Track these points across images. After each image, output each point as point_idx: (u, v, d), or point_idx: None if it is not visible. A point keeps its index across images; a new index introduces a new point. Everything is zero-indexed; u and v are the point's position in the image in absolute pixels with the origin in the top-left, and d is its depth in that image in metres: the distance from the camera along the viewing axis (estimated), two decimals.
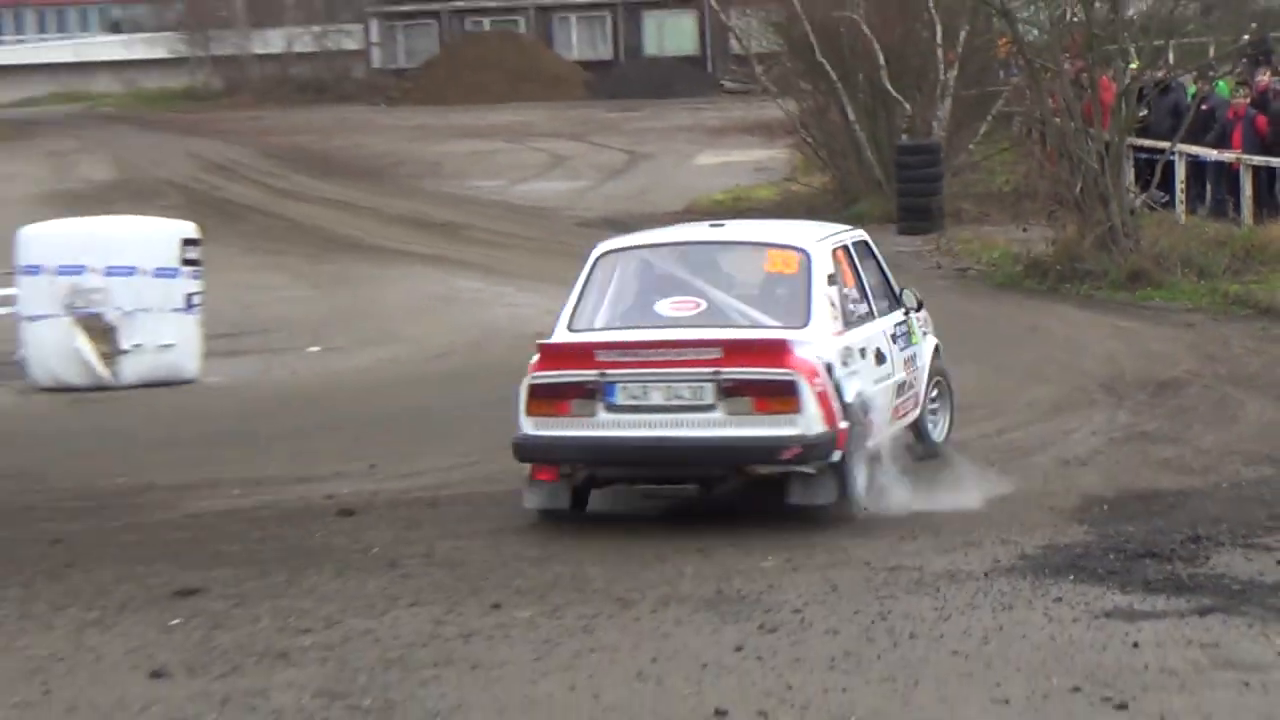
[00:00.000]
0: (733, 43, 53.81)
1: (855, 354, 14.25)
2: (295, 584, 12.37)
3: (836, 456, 13.50)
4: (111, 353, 20.75)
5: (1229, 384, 18.20)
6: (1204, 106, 31.02)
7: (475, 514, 14.34)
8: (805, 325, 13.88)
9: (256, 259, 31.66)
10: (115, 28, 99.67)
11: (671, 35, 79.10)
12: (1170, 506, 13.71)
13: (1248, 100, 30.51)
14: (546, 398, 13.71)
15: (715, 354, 13.30)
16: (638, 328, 14.16)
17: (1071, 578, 11.96)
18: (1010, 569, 12.21)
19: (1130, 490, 14.31)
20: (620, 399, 13.54)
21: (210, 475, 16.18)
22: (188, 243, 21.16)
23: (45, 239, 21.37)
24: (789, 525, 13.50)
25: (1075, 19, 28.06)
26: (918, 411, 15.89)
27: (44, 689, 10.34)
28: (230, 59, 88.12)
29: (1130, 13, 29.09)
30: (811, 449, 13.30)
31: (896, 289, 15.94)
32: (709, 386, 13.34)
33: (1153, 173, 29.65)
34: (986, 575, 12.07)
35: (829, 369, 13.55)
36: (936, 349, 16.47)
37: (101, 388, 20.56)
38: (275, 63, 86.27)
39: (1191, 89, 32.25)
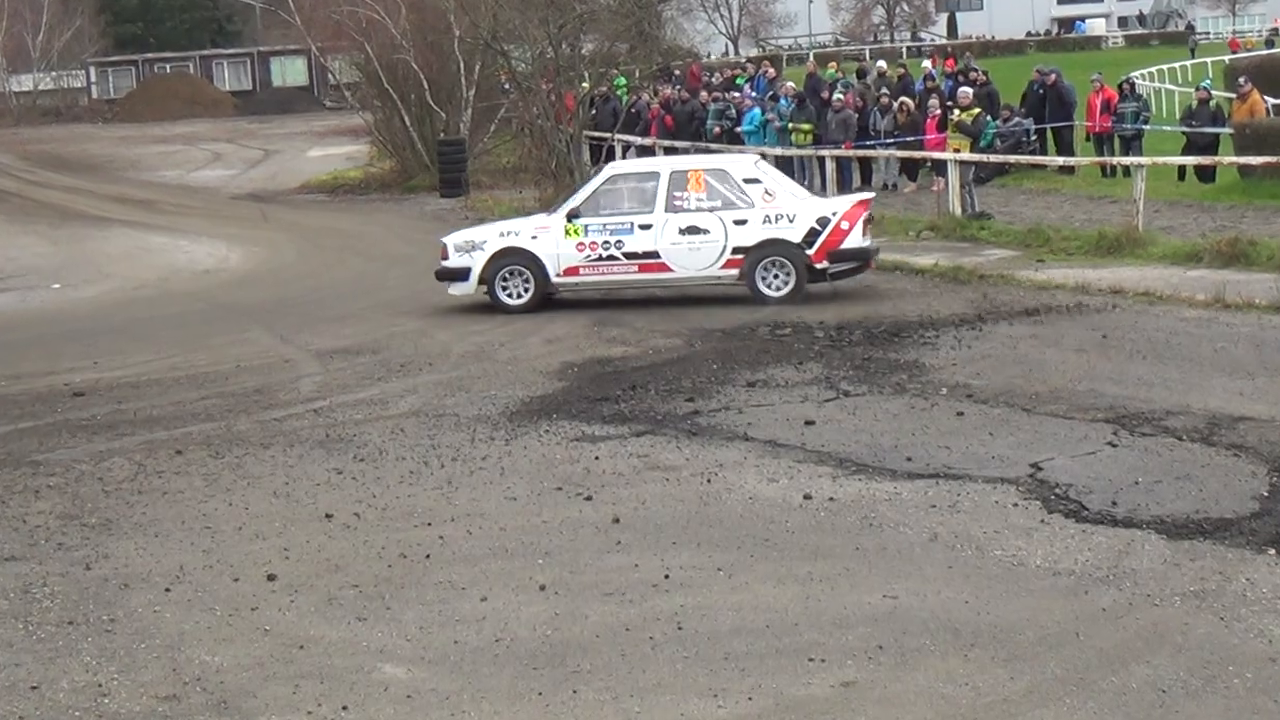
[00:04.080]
0: (330, 76, 52.45)
1: None
2: (44, 445, 11.55)
3: None
4: None
5: None
6: (633, 110, 31.35)
7: (164, 391, 13.52)
8: None
9: (15, 227, 29.70)
10: None
11: (290, 72, 78.87)
12: (616, 369, 13.52)
13: (659, 104, 30.89)
14: None
15: None
16: None
17: (554, 416, 11.80)
18: (516, 412, 11.97)
19: (591, 358, 14.11)
20: None
21: None
22: None
23: None
24: (378, 395, 13.06)
25: (549, 56, 27.92)
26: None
27: None
28: None
29: (584, 50, 29.08)
30: None
31: None
32: None
33: (603, 152, 29.77)
34: (501, 417, 11.82)
35: None
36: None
37: None
38: (27, 96, 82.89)
39: (624, 96, 32.53)
